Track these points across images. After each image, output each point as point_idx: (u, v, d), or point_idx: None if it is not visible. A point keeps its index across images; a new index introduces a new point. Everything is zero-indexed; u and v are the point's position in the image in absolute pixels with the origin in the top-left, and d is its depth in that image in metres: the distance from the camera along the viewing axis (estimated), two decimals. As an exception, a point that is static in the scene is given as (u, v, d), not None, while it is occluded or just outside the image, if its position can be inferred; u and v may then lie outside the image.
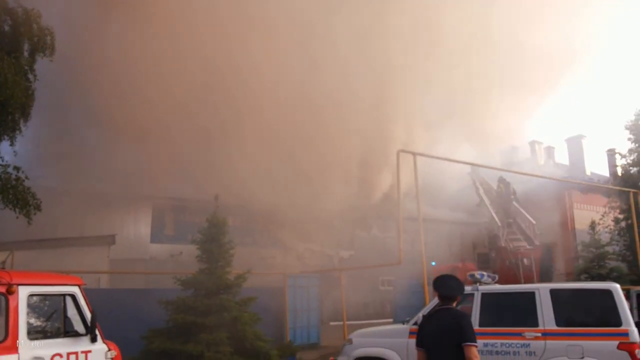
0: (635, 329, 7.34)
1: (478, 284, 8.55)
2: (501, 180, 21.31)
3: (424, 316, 5.47)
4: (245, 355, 10.78)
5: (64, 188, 21.28)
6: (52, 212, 21.50)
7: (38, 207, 11.12)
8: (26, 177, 10.93)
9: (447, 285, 5.20)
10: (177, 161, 21.60)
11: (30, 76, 11.29)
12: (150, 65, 20.72)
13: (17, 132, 11.16)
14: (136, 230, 24.24)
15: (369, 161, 25.83)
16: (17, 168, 10.80)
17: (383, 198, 26.64)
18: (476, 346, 4.78)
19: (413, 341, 8.40)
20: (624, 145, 27.47)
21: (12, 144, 11.21)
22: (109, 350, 5.82)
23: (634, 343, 7.22)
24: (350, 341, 9.33)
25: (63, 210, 22.11)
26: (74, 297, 5.71)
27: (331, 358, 9.99)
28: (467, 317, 5.08)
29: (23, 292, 5.26)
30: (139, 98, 20.95)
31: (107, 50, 20.53)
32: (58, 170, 20.61)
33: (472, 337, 4.83)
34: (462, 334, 4.79)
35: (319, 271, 21.34)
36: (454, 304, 5.13)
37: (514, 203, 20.83)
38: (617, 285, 7.78)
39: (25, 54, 11.22)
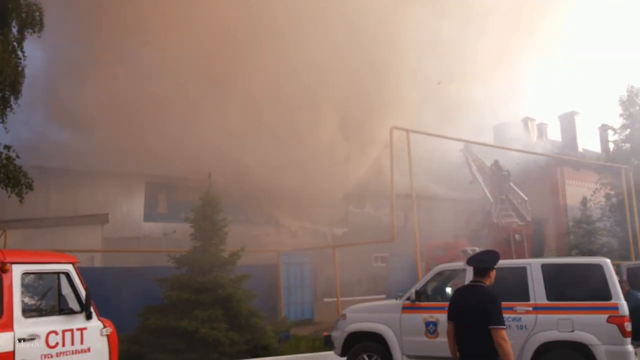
0: (624, 303, 7.45)
1: (470, 260, 8.61)
2: (494, 163, 21.44)
3: (456, 290, 5.30)
4: (240, 331, 10.88)
5: (56, 166, 21.17)
6: (44, 191, 21.49)
7: (30, 186, 11.04)
8: (17, 156, 10.83)
9: (478, 258, 5.16)
10: (169, 138, 21.49)
11: (20, 53, 11.13)
12: (139, 42, 20.52)
13: (8, 109, 11.04)
14: (129, 209, 24.20)
15: (363, 138, 25.83)
16: (7, 147, 10.70)
17: (376, 175, 26.69)
18: (504, 328, 4.66)
19: (406, 316, 8.60)
20: (617, 122, 27.59)
21: (2, 122, 11.10)
22: (105, 327, 5.85)
23: (623, 316, 7.34)
24: (344, 316, 9.42)
25: (55, 189, 22.05)
26: (68, 275, 5.71)
27: (325, 333, 10.09)
28: (494, 298, 4.84)
29: (17, 271, 5.26)
30: (129, 75, 20.77)
31: (98, 25, 20.28)
32: (50, 147, 20.49)
33: (498, 319, 4.69)
34: (488, 316, 4.67)
35: (312, 248, 21.45)
36: (487, 280, 5.01)
37: (507, 182, 20.96)
38: (608, 260, 7.88)
39: (14, 30, 11.05)
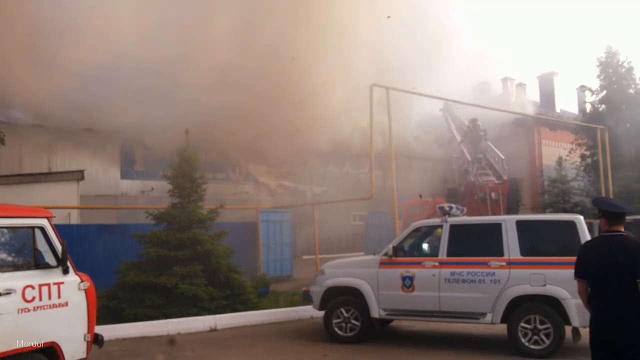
0: (595, 258, 7.62)
1: (447, 216, 8.74)
2: (471, 120, 21.56)
3: (585, 244, 4.44)
4: (219, 287, 10.95)
5: (30, 121, 20.68)
6: (17, 148, 21.06)
7: (1, 141, 10.79)
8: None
9: (610, 202, 4.35)
10: (146, 94, 21.08)
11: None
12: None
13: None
14: (106, 166, 23.91)
15: (343, 98, 25.70)
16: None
17: (355, 134, 26.69)
18: None
19: (383, 271, 8.74)
20: (595, 83, 27.78)
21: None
22: (82, 281, 5.81)
23: (593, 271, 7.52)
24: (322, 272, 9.53)
25: (29, 145, 21.60)
26: (43, 230, 5.61)
27: (304, 289, 10.23)
28: None
29: (-10, 225, 5.16)
30: (102, 31, 20.22)
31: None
32: (25, 102, 19.96)
33: None
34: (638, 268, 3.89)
35: (291, 206, 21.53)
36: (623, 229, 4.21)
37: (484, 141, 21.15)
38: (581, 217, 8.05)
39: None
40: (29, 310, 5.24)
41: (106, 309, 10.13)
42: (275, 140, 24.43)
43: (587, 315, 7.28)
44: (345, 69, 24.62)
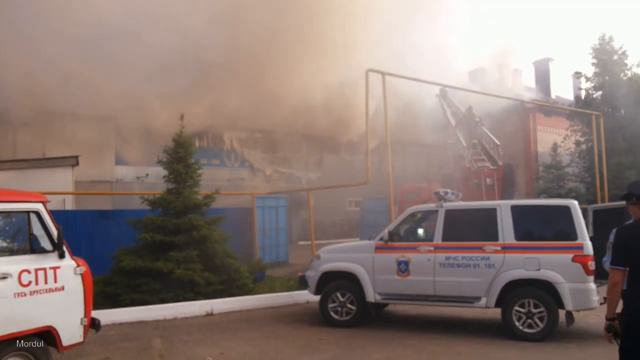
0: (589, 243, 7.71)
1: (442, 201, 8.76)
2: (468, 109, 21.59)
3: (622, 230, 3.95)
4: (215, 272, 10.97)
5: (23, 106, 20.48)
6: (11, 133, 20.92)
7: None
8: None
9: None
10: (140, 81, 20.93)
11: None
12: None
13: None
14: (100, 152, 23.79)
15: (337, 83, 25.61)
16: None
17: (351, 121, 26.63)
18: None
19: (378, 256, 8.77)
20: (590, 70, 27.77)
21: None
22: (78, 266, 5.81)
23: (587, 256, 7.62)
24: (318, 257, 9.57)
25: (24, 131, 21.45)
26: (38, 214, 5.59)
27: (299, 274, 10.26)
28: None
29: (-15, 210, 5.14)
30: (97, 9, 20.02)
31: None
32: (17, 87, 19.75)
33: None
34: None
35: (287, 192, 21.52)
36: None
37: (480, 127, 21.19)
38: (576, 202, 8.09)
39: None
40: (25, 295, 5.25)
41: (103, 294, 10.14)
42: (267, 113, 24.41)
43: (582, 299, 7.49)
44: (341, 52, 24.51)
